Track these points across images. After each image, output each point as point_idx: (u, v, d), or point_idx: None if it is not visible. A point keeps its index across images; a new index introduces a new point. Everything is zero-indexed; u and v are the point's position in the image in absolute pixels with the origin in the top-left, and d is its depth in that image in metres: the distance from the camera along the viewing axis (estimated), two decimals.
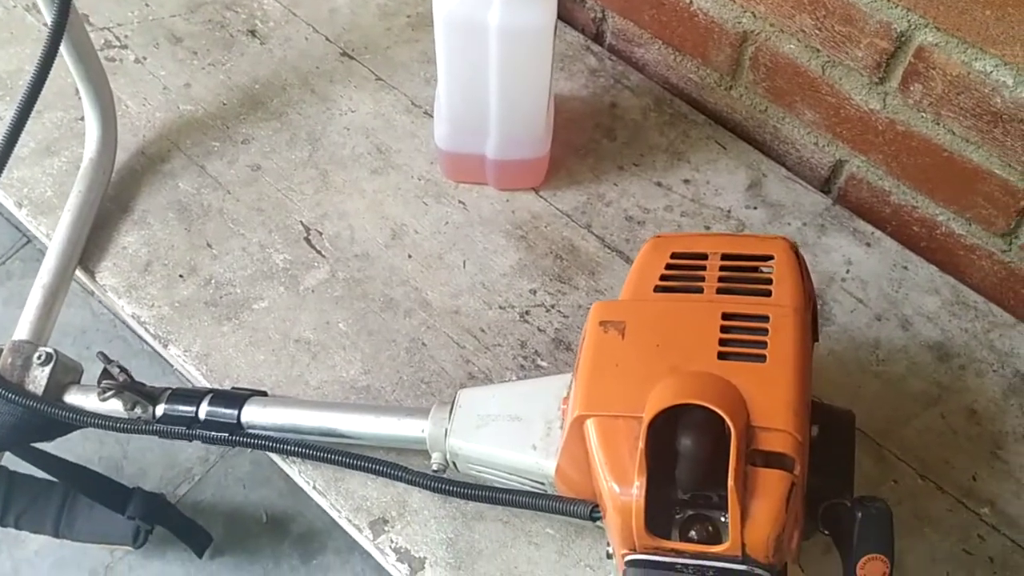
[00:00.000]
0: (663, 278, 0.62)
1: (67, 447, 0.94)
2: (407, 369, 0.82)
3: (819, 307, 0.82)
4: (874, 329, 0.85)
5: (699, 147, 0.97)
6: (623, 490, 0.54)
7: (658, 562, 0.53)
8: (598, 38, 1.07)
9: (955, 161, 0.84)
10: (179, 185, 0.94)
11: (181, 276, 0.87)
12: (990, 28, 0.73)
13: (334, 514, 0.75)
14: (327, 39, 1.05)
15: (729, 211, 0.92)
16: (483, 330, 0.85)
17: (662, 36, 1.00)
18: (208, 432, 0.73)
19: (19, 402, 0.74)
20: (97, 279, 0.88)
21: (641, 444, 0.52)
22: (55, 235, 0.87)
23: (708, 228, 0.91)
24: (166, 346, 0.84)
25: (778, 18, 0.87)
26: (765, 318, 0.58)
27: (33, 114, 0.79)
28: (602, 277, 0.88)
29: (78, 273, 0.88)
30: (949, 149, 0.84)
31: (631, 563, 0.54)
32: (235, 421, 0.73)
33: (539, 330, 0.85)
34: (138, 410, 0.74)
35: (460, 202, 0.93)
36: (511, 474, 0.67)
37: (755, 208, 0.92)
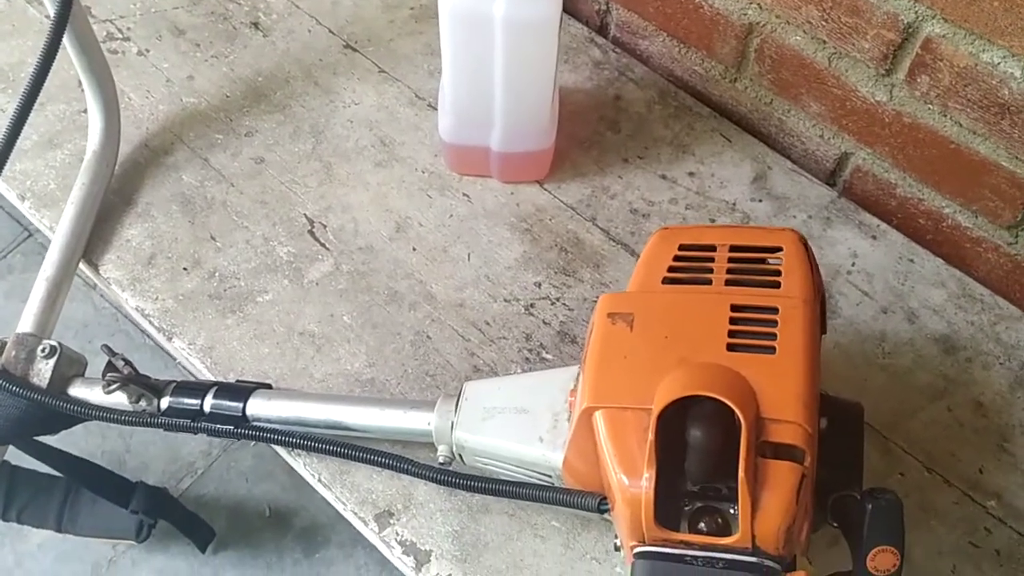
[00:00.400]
0: (671, 270, 0.62)
1: (70, 441, 0.94)
2: (412, 362, 0.82)
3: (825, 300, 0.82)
4: (880, 322, 0.85)
5: (704, 140, 0.97)
6: (632, 482, 0.53)
7: (667, 554, 0.53)
8: (602, 30, 1.07)
9: (962, 153, 0.83)
10: (183, 178, 0.93)
11: (185, 269, 0.87)
12: (998, 19, 0.73)
13: (339, 507, 0.75)
14: (330, 31, 1.05)
15: (734, 204, 0.92)
16: (488, 323, 0.84)
17: (667, 28, 1.00)
18: (213, 425, 0.73)
19: (24, 395, 0.73)
20: (101, 272, 0.87)
21: (651, 436, 0.52)
22: (58, 228, 0.87)
23: (713, 221, 0.91)
24: (170, 339, 0.84)
25: (784, 9, 0.87)
26: (774, 310, 0.58)
27: (36, 106, 0.78)
28: (607, 270, 0.88)
29: (81, 266, 0.88)
30: (956, 141, 0.83)
31: (640, 555, 0.54)
32: (240, 414, 0.73)
33: (544, 323, 0.84)
34: (143, 403, 0.74)
35: (464, 195, 0.93)
36: (518, 466, 0.66)
37: (760, 201, 0.92)
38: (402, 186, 0.93)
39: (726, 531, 0.53)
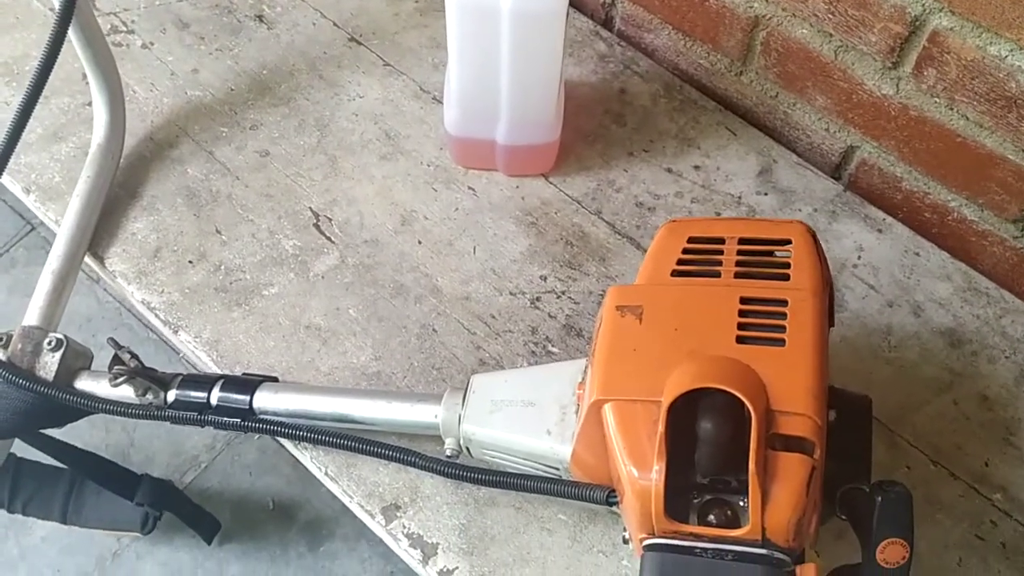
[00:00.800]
0: (680, 262, 0.62)
1: (74, 435, 0.94)
2: (418, 355, 0.82)
3: None
4: (886, 315, 0.85)
5: (709, 133, 0.97)
6: (642, 474, 0.53)
7: (677, 546, 0.53)
8: (607, 24, 1.07)
9: (968, 146, 0.83)
10: (188, 171, 0.93)
11: (191, 262, 0.87)
12: (1006, 12, 0.73)
13: (346, 500, 0.75)
14: (335, 24, 1.05)
15: (740, 197, 0.92)
16: (494, 316, 0.84)
17: (672, 21, 1.00)
18: (220, 418, 0.73)
19: (30, 388, 0.73)
20: (106, 265, 0.87)
21: (660, 428, 0.52)
22: (64, 221, 0.86)
23: (719, 214, 0.91)
24: (176, 332, 0.84)
25: (790, 2, 0.87)
26: (783, 302, 0.58)
27: (41, 100, 0.78)
28: (612, 263, 0.88)
29: (87, 259, 0.88)
30: (962, 134, 0.83)
31: (650, 547, 0.54)
32: (247, 407, 0.73)
33: (550, 316, 0.84)
34: (149, 396, 0.74)
35: (470, 188, 0.92)
36: (525, 459, 0.66)
37: (766, 194, 0.92)
38: (407, 179, 0.93)
39: (736, 523, 0.53)
